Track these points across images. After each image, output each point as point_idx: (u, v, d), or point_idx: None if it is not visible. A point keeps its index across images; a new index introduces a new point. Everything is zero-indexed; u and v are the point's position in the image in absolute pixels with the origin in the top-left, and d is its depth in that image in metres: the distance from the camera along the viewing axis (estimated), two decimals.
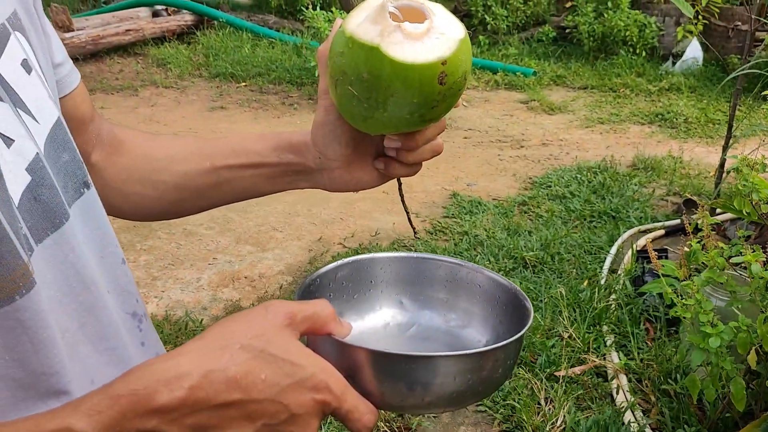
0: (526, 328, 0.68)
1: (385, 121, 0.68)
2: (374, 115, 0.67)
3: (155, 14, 7.84)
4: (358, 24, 0.64)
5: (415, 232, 0.94)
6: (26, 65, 0.64)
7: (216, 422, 0.54)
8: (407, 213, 0.88)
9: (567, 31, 7.42)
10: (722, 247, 1.84)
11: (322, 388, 0.58)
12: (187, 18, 7.87)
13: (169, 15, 7.89)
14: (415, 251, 0.83)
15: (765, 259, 1.74)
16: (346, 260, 0.80)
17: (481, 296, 0.80)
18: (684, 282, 1.79)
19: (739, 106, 3.66)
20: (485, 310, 0.80)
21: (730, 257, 1.81)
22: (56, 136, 0.67)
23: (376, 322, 0.81)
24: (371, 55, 0.62)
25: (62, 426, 0.51)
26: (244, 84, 6.55)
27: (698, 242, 1.84)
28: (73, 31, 6.82)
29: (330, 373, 0.59)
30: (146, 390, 0.52)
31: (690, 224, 2.00)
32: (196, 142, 0.89)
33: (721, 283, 1.78)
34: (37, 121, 0.64)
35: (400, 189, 0.86)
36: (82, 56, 6.84)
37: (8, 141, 0.59)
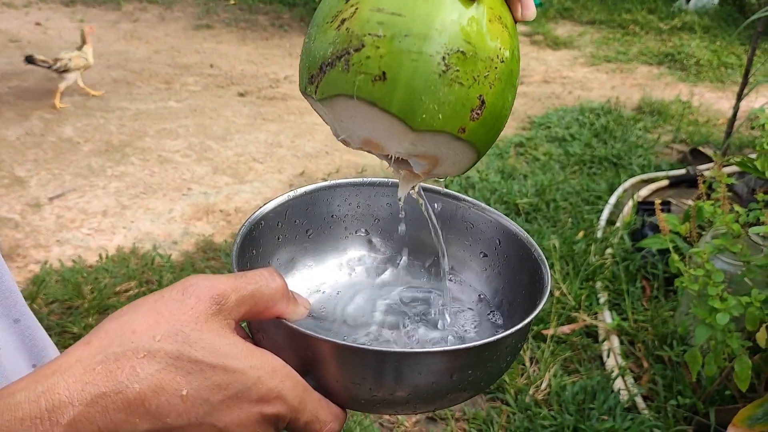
0: (539, 309, 0.50)
1: None
2: None
3: None
4: None
5: None
6: None
7: None
8: None
9: None
10: (738, 212, 1.65)
11: (273, 399, 0.41)
12: None
13: None
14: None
15: None
16: (297, 191, 0.61)
17: (473, 238, 0.62)
18: (694, 249, 1.61)
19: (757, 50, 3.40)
20: (478, 255, 0.62)
21: (747, 223, 1.62)
22: None
23: (340, 269, 0.63)
24: None
25: None
26: (232, 2, 6.19)
27: (713, 205, 1.65)
28: None
29: (282, 376, 0.42)
30: None
31: (704, 182, 1.80)
32: None
33: (735, 253, 1.59)
34: None
35: None
36: None
37: None
